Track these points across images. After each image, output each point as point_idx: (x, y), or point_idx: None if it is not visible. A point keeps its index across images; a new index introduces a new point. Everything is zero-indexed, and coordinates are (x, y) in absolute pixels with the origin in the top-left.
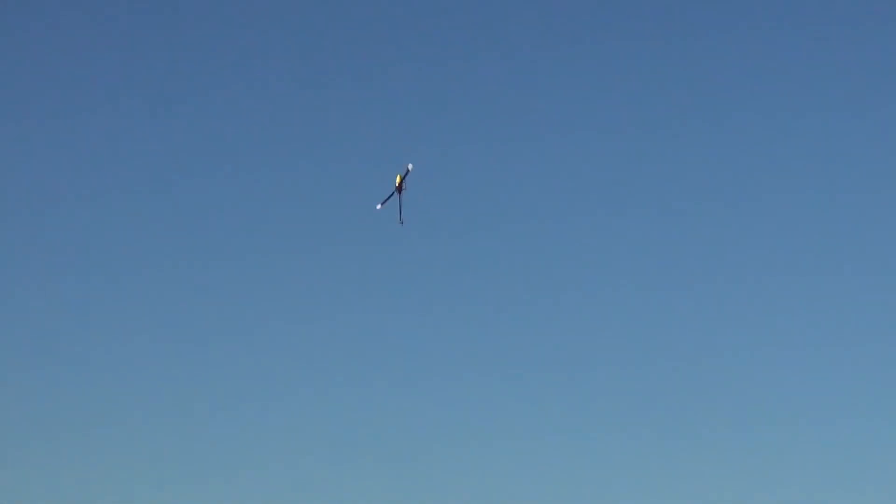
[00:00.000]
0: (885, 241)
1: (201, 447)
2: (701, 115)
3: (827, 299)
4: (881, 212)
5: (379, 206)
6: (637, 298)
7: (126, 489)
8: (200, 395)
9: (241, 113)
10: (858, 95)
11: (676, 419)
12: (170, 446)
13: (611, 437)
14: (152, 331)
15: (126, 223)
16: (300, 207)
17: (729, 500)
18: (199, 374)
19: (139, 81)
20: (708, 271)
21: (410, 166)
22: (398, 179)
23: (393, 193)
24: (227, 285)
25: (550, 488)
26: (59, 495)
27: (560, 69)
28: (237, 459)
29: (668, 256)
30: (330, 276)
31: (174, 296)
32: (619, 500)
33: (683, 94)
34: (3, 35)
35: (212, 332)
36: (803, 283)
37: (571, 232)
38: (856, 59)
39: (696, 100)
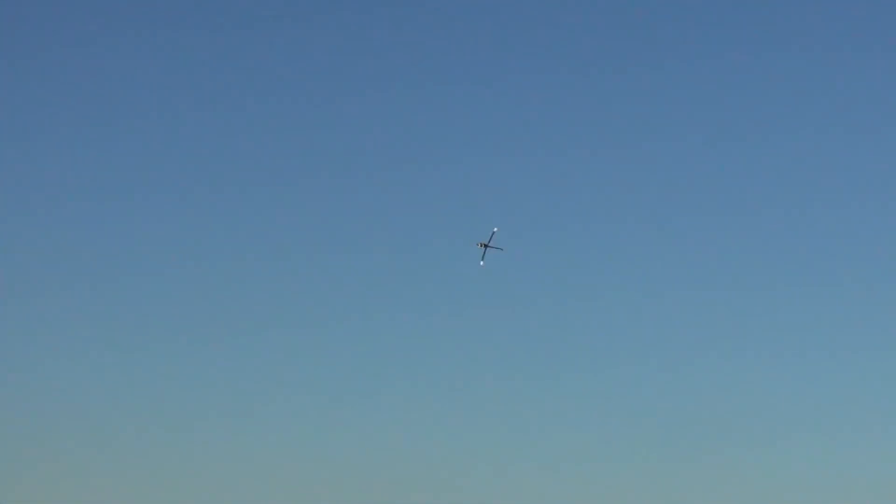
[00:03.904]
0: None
1: (202, 451)
2: (708, 119)
3: (839, 306)
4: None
5: (482, 263)
6: (638, 302)
7: (125, 489)
8: (202, 400)
9: (243, 116)
10: (860, 101)
11: (679, 423)
12: (169, 451)
13: (614, 440)
14: (160, 335)
15: (144, 228)
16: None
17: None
18: (202, 379)
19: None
20: (714, 279)
21: (496, 229)
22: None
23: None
24: (228, 290)
25: (554, 489)
26: (58, 494)
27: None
28: (237, 462)
29: (675, 263)
30: (332, 281)
31: (176, 301)
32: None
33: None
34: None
35: (212, 337)
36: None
37: (572, 237)
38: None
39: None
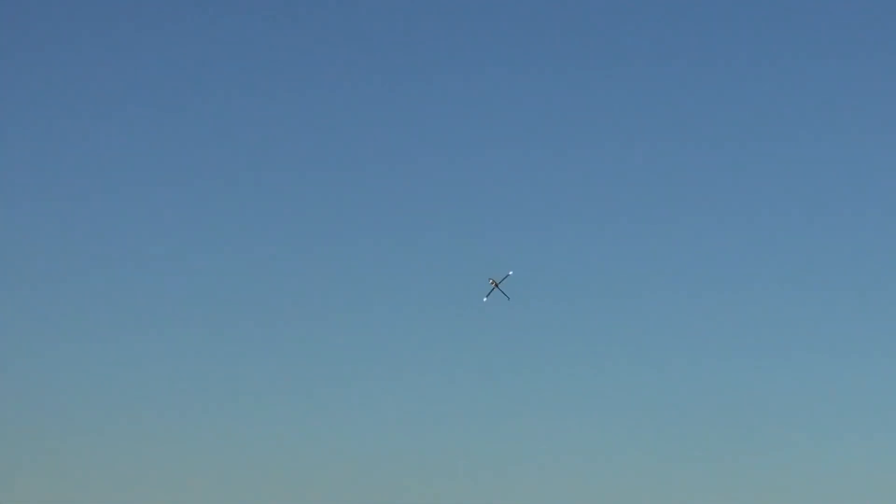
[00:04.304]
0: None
1: (202, 448)
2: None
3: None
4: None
5: (485, 299)
6: (641, 301)
7: (126, 488)
8: (201, 398)
9: (245, 115)
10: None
11: (681, 422)
12: (170, 446)
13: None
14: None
15: (145, 224)
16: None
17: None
18: (203, 376)
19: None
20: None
21: (511, 272)
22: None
23: (492, 289)
24: (227, 286)
25: (555, 488)
26: (58, 494)
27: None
28: (236, 462)
29: (679, 264)
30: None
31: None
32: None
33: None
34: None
35: (210, 336)
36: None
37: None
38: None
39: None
